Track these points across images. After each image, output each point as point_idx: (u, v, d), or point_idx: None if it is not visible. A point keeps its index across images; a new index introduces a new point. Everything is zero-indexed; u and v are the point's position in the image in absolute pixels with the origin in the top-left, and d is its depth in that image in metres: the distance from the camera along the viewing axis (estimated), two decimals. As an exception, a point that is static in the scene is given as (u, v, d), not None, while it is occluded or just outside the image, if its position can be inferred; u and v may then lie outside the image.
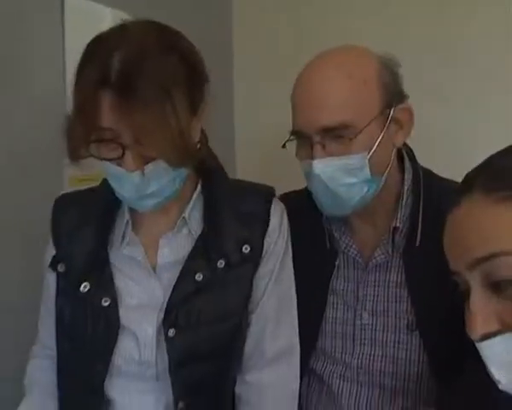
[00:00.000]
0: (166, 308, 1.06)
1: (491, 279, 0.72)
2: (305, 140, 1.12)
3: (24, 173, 1.36)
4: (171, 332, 1.06)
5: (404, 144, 1.21)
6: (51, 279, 1.15)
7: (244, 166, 2.06)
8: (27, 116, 1.36)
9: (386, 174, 1.14)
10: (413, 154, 1.22)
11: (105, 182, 1.12)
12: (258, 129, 2.04)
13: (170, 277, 1.09)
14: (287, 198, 1.24)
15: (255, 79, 2.01)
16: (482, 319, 0.73)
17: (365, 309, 1.17)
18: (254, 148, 2.05)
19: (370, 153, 1.09)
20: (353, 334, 1.18)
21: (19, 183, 1.36)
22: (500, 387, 0.74)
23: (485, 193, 0.72)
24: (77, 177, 1.43)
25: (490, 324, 0.72)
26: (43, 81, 1.39)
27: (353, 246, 1.20)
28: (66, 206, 1.17)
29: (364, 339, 1.17)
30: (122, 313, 1.09)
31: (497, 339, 0.72)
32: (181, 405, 1.07)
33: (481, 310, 0.73)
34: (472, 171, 0.78)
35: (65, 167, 1.43)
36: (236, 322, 1.10)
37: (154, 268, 1.11)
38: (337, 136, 1.09)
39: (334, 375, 1.19)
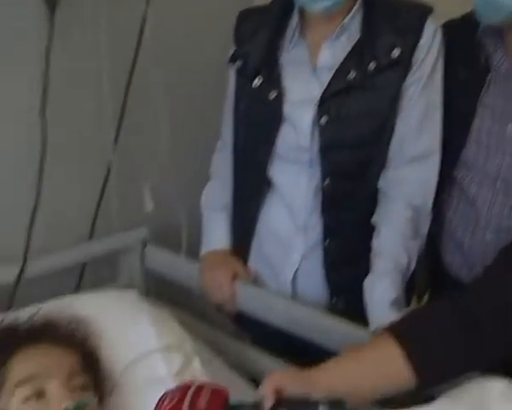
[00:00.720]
0: (321, 100, 1.24)
1: None
2: None
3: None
4: (323, 120, 1.24)
5: None
6: (231, 79, 1.39)
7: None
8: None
9: None
10: None
11: None
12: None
13: (327, 76, 1.25)
14: (450, 20, 1.32)
15: None
16: None
17: (511, 121, 1.23)
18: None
19: None
20: (496, 145, 1.25)
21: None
22: None
23: None
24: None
25: None
26: None
27: (505, 63, 1.24)
28: (247, 15, 1.38)
29: (506, 149, 1.24)
30: (285, 105, 1.29)
31: None
32: (327, 182, 1.26)
33: None
34: None
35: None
36: (381, 121, 1.24)
37: (314, 68, 1.28)
38: None
39: (473, 183, 1.29)
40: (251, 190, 1.38)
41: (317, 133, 1.25)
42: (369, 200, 1.28)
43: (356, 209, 1.29)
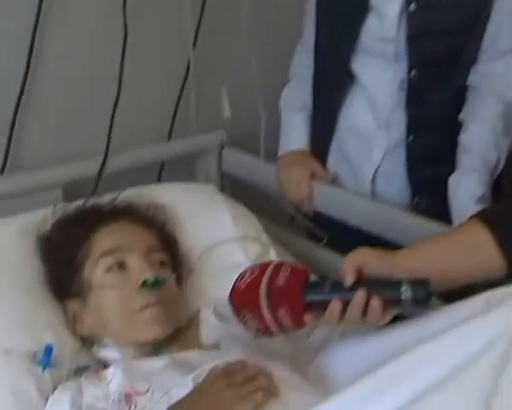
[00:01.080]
0: None
1: None
2: None
3: None
4: (412, 7, 1.18)
5: None
6: None
7: None
8: None
9: None
10: None
11: None
12: None
13: None
14: None
15: None
16: None
17: None
18: None
19: None
20: None
21: None
22: None
23: None
24: None
25: None
26: None
27: None
28: None
29: None
30: None
31: None
32: (413, 73, 1.21)
33: None
34: None
35: None
36: (475, 9, 1.17)
37: None
38: None
39: None
40: (333, 86, 1.34)
41: (404, 22, 1.19)
42: (458, 94, 1.22)
43: (443, 103, 1.23)
